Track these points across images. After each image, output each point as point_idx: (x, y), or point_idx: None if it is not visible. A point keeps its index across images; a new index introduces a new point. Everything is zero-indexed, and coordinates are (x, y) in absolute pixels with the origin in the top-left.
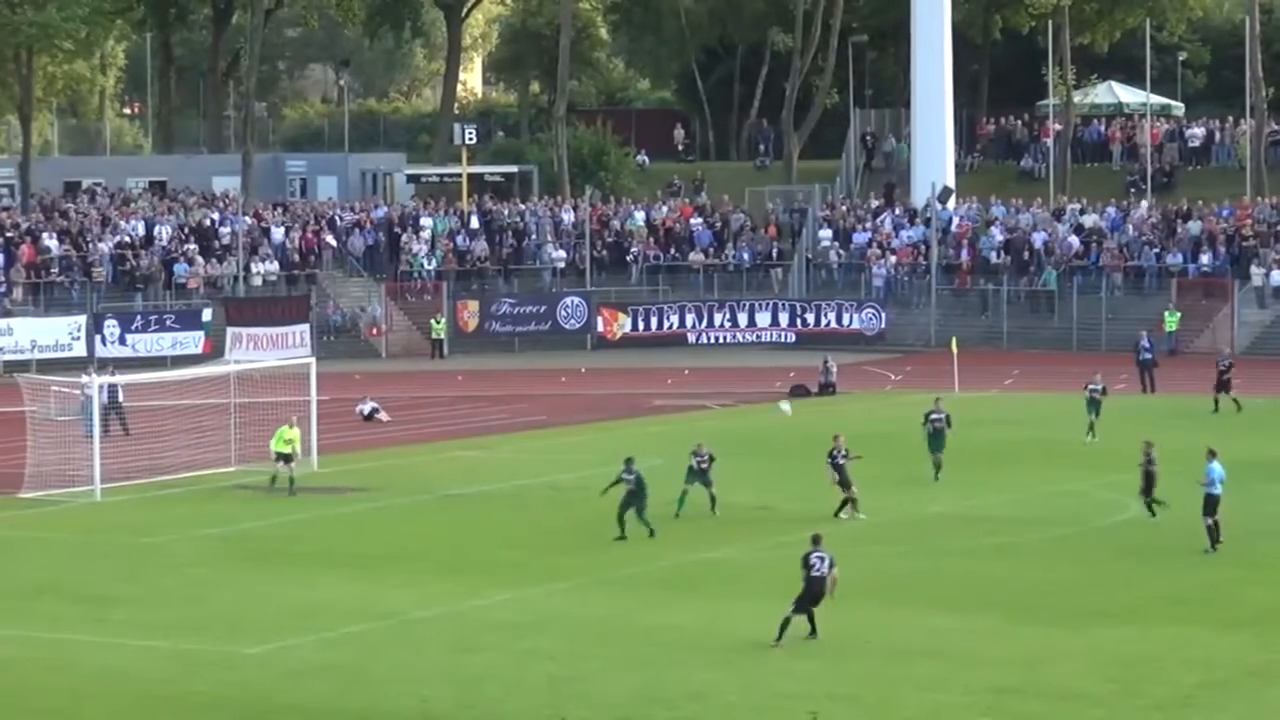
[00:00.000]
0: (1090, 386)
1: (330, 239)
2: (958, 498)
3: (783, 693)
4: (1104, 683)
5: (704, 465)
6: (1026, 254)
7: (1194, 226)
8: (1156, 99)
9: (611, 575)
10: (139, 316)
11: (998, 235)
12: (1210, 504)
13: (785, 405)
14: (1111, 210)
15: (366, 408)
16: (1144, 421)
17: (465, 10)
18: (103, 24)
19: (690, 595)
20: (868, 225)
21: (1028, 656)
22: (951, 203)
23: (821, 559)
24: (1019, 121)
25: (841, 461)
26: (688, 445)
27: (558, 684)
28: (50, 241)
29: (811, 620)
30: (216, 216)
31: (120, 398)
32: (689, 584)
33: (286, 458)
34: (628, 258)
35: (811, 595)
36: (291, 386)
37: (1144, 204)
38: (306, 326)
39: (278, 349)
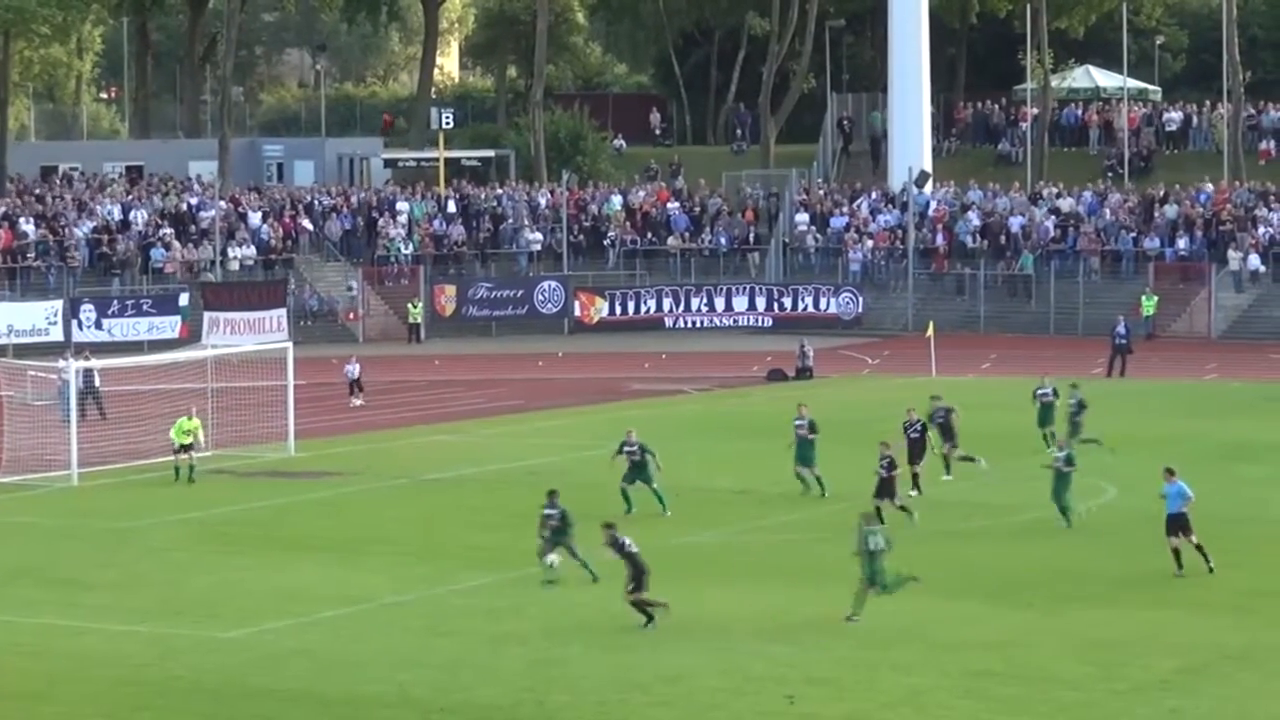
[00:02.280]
0: (1039, 390)
1: (307, 224)
2: (935, 482)
3: (759, 676)
4: (1081, 666)
5: (636, 458)
6: (1003, 238)
7: (1171, 210)
8: (1134, 83)
9: (588, 560)
10: (115, 301)
11: (975, 219)
12: (1173, 524)
13: (552, 558)
14: (1088, 194)
15: (355, 369)
16: (1111, 407)
17: None
18: (78, 8)
19: (668, 579)
20: (844, 210)
21: (1005, 639)
22: (928, 187)
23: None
24: (996, 106)
25: (915, 436)
26: (666, 430)
27: (535, 668)
28: (27, 226)
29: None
30: (194, 201)
31: (97, 382)
32: (667, 568)
33: (186, 448)
34: (605, 242)
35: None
36: (268, 371)
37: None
38: (284, 311)
39: (255, 334)
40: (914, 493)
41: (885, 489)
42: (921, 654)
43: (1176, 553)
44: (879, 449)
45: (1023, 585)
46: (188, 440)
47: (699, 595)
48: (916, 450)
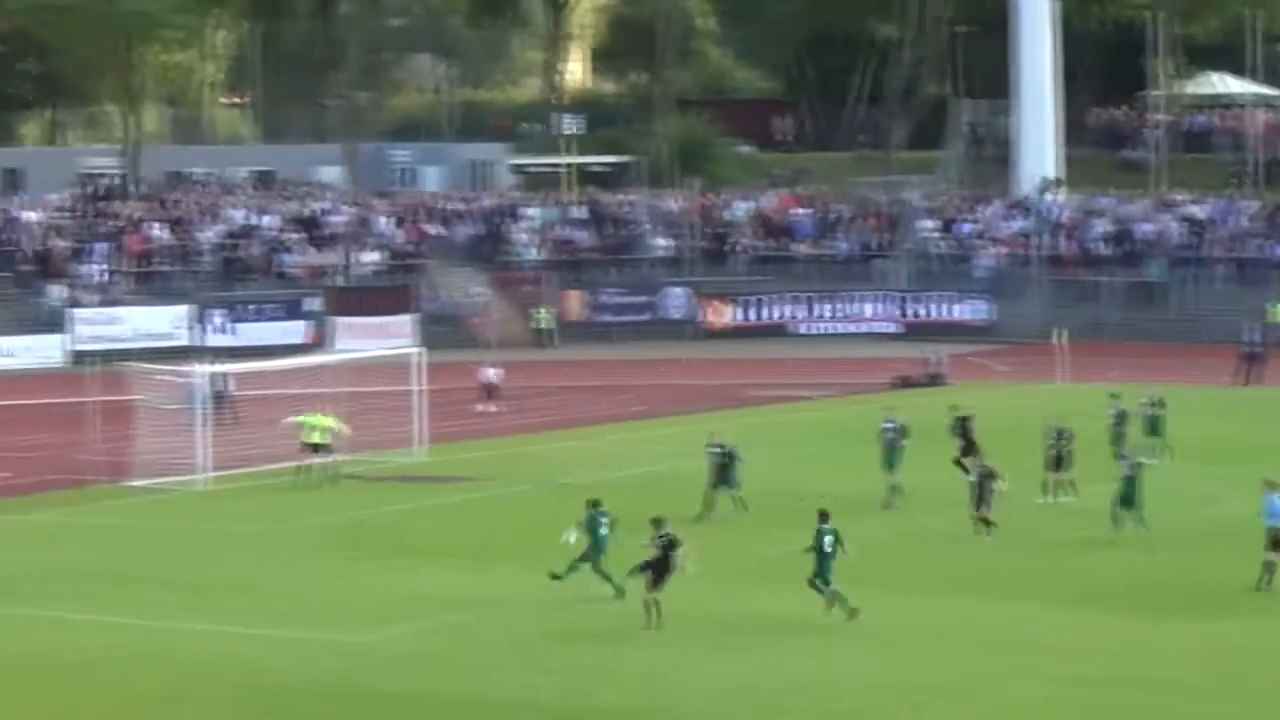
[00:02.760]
0: (1142, 401)
1: (435, 229)
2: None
3: (883, 683)
4: (1194, 674)
5: (721, 461)
6: (1132, 245)
7: None
8: (1263, 90)
9: (710, 565)
10: (244, 306)
11: (1103, 226)
12: (1272, 538)
13: (570, 535)
14: (1217, 201)
15: (493, 373)
16: (1239, 414)
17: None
18: (207, 13)
19: (788, 585)
20: (972, 215)
21: (1117, 647)
22: (1057, 193)
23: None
24: (1124, 112)
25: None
26: (790, 436)
27: (657, 674)
28: (157, 231)
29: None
30: (322, 206)
31: (226, 387)
32: (787, 574)
33: (317, 448)
34: (731, 248)
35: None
36: (396, 376)
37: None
38: (412, 316)
39: (382, 338)
40: (1068, 499)
41: (981, 498)
42: (1038, 661)
43: (1269, 566)
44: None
45: (1134, 592)
46: (321, 439)
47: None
48: (1059, 460)
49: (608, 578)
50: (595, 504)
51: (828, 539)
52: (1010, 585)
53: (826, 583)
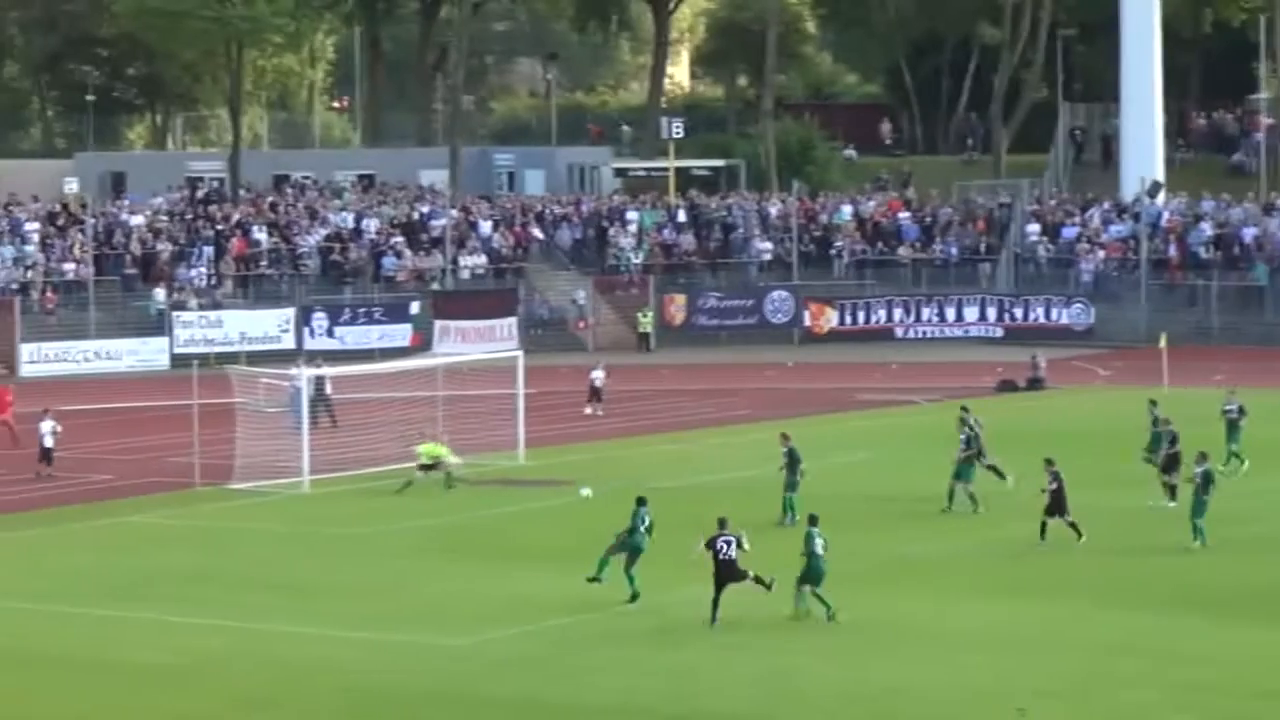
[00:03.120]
0: (1226, 407)
1: (538, 232)
2: (1166, 495)
3: (988, 689)
4: None
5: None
6: (1237, 249)
7: None
8: None
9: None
10: (347, 309)
11: (1208, 230)
12: None
13: (585, 490)
14: None
15: (600, 376)
16: None
17: (672, 4)
18: (311, 18)
19: (897, 590)
20: (1076, 220)
21: (1229, 655)
22: (1161, 197)
23: (729, 542)
24: (1229, 115)
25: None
26: (896, 439)
27: (762, 679)
28: (260, 234)
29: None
30: (425, 210)
31: (328, 390)
32: (894, 579)
33: (428, 468)
34: (834, 252)
35: (721, 577)
36: (498, 380)
37: None
38: (514, 320)
39: (485, 342)
40: (1170, 503)
41: (1056, 505)
42: (1147, 667)
43: None
44: (1044, 468)
45: (1246, 599)
46: (430, 462)
47: (928, 606)
48: (1171, 461)
49: (630, 579)
50: (641, 501)
51: (819, 542)
52: (1108, 590)
53: (818, 585)
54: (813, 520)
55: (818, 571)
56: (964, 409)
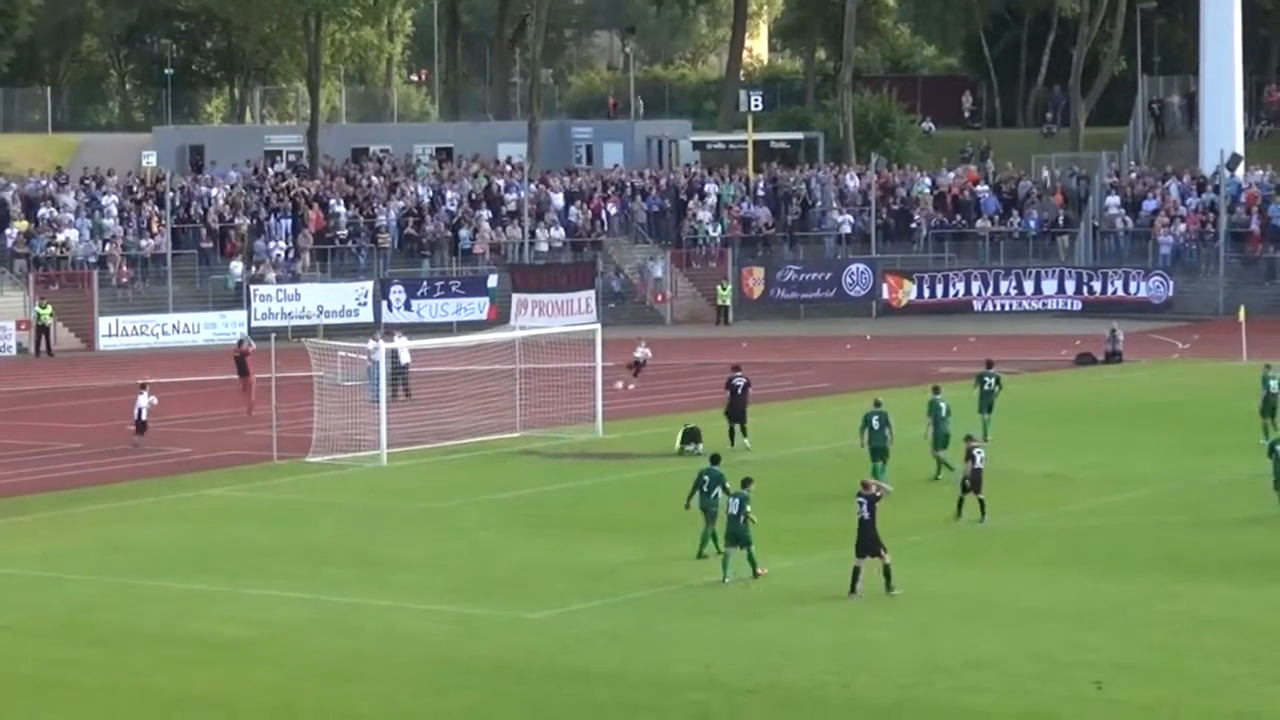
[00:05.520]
0: (1267, 377)
1: (615, 205)
2: (1246, 466)
3: (1067, 661)
4: None
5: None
6: None
7: None
8: None
9: (894, 543)
10: (425, 282)
11: None
12: None
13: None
14: None
15: (646, 353)
16: None
17: None
18: None
19: (974, 563)
20: (1155, 192)
21: None
22: (1240, 170)
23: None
24: None
25: None
26: (972, 412)
27: (840, 651)
28: (338, 208)
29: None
30: (502, 183)
31: (405, 363)
32: (973, 552)
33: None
34: (913, 225)
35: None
36: (576, 353)
37: None
38: (592, 293)
39: (563, 315)
40: None
41: (974, 482)
42: (1231, 640)
43: None
44: (964, 444)
45: None
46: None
47: (1006, 579)
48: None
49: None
50: (715, 459)
51: (733, 501)
52: (1191, 562)
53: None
54: (745, 483)
55: (733, 533)
56: (935, 389)
